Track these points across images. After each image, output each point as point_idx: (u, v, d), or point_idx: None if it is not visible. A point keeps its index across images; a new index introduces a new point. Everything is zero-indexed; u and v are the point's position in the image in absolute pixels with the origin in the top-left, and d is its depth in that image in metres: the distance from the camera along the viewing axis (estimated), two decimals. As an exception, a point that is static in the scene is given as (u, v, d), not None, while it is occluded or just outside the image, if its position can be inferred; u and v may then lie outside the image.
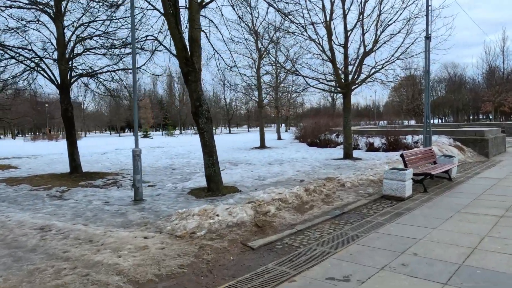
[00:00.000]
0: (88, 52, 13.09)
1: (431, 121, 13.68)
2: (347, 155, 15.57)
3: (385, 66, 15.35)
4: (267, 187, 9.42)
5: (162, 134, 60.61)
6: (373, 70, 15.38)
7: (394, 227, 6.13)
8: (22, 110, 78.98)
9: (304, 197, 7.73)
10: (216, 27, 9.40)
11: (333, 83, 16.18)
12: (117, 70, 13.71)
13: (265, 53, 22.58)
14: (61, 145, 37.90)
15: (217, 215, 6.29)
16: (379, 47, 14.69)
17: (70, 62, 12.61)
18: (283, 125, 66.09)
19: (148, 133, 52.79)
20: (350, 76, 15.43)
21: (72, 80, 12.87)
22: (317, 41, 15.10)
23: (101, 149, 28.51)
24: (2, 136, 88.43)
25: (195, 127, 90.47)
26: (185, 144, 31.21)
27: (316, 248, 5.20)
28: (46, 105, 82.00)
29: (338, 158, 15.80)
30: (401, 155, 9.26)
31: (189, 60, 8.65)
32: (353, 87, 15.69)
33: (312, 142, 22.67)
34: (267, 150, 21.99)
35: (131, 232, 5.81)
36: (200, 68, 8.88)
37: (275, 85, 31.02)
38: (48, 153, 24.91)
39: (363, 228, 6.07)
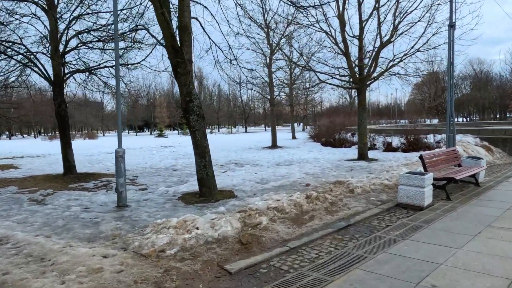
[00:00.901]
0: (84, 47, 12.40)
1: (455, 119, 12.35)
2: (362, 156, 14.39)
3: (404, 59, 14.10)
4: (267, 192, 8.45)
5: (178, 134, 60.35)
6: (391, 64, 14.15)
7: (409, 245, 5.03)
8: (44, 109, 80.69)
9: (305, 206, 6.69)
10: (211, 13, 8.46)
11: (347, 78, 14.99)
12: (114, 66, 12.95)
13: (277, 48, 21.54)
14: (78, 144, 37.89)
15: (197, 228, 5.34)
16: (397, 37, 13.46)
17: (65, 57, 11.92)
18: (300, 124, 64.80)
19: (163, 132, 52.50)
20: (366, 71, 14.22)
21: (67, 76, 12.19)
22: (329, 33, 13.98)
23: (112, 148, 28.05)
24: (25, 135, 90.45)
25: (211, 126, 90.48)
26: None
27: (308, 273, 4.18)
28: (67, 104, 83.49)
29: (352, 159, 14.63)
30: (420, 157, 8.08)
31: (178, 51, 7.74)
32: (368, 82, 14.48)
33: (326, 141, 21.49)
34: (278, 150, 20.95)
35: (93, 248, 4.93)
36: (191, 59, 7.96)
37: (289, 82, 29.94)
38: (57, 153, 24.59)
39: (371, 246, 5.00)
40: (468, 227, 5.78)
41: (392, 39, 13.58)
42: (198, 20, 8.63)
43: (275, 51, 21.32)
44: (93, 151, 24.95)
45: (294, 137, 31.58)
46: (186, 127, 55.35)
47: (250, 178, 10.58)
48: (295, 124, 72.09)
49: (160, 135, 51.78)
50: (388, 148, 16.60)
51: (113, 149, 26.62)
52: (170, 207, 7.43)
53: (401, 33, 13.40)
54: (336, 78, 14.55)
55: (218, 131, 78.61)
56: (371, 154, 16.05)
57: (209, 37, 9.15)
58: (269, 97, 23.33)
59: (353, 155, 15.64)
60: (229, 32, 9.85)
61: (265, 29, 21.20)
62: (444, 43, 13.66)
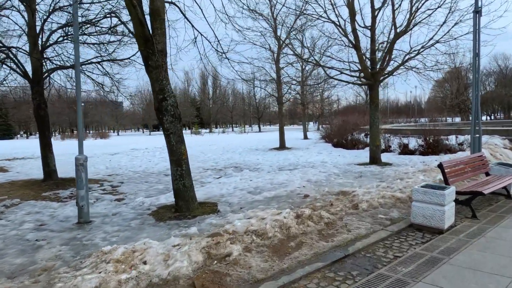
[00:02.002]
0: (67, 41, 11.39)
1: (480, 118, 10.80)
2: (374, 160, 12.95)
3: (422, 52, 12.57)
4: (257, 205, 7.22)
5: (191, 133, 59.45)
6: (407, 57, 12.65)
7: (423, 294, 3.70)
8: (59, 109, 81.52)
9: (293, 228, 5.41)
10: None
11: (358, 73, 13.54)
12: (101, 61, 11.95)
13: (284, 43, 20.20)
14: (86, 144, 37.39)
15: (144, 263, 4.14)
16: (414, 27, 11.95)
17: (44, 53, 10.94)
18: (316, 123, 63.15)
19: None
20: (378, 65, 12.75)
21: (47, 73, 11.21)
22: (338, 23, 12.58)
23: (117, 149, 27.35)
24: (34, 134, 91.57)
25: (223, 125, 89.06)
26: (204, 144, 29.43)
27: None
28: (82, 104, 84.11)
29: (363, 163, 13.20)
30: (440, 166, 6.67)
31: (149, 40, 6.56)
32: (381, 78, 13.01)
33: (338, 142, 20.03)
34: (285, 151, 19.63)
35: (3, 290, 3.79)
36: (164, 50, 6.76)
37: (301, 79, 28.52)
38: (60, 153, 23.91)
39: (370, 294, 3.69)
40: (503, 264, 4.38)
41: (409, 29, 12.07)
42: (176, 5, 7.43)
43: (283, 46, 19.95)
44: (96, 152, 24.17)
45: (305, 137, 30.13)
46: (197, 126, 54.56)
47: (243, 187, 9.34)
48: (311, 123, 70.40)
49: (171, 134, 50.89)
50: (404, 150, 15.06)
51: (118, 149, 25.83)
52: (136, 225, 6.27)
53: (419, 22, 11.88)
54: (345, 73, 13.14)
55: (232, 130, 77.59)
56: (384, 157, 14.57)
57: (191, 24, 7.94)
58: (276, 95, 21.97)
59: (365, 158, 14.19)
60: (217, 21, 8.54)
61: (272, 23, 19.89)
62: (468, 33, 12.10)
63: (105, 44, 11.80)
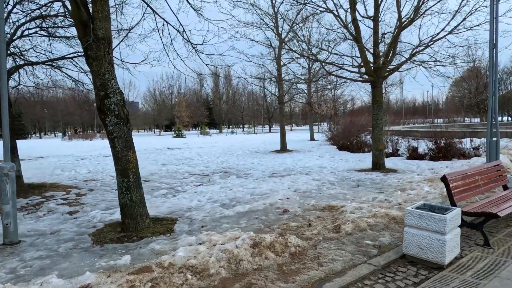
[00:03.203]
0: (36, 34, 10.44)
1: (498, 118, 9.34)
2: (376, 166, 11.58)
3: (432, 45, 11.15)
4: (221, 224, 6.05)
5: (199, 134, 58.59)
6: (415, 51, 11.23)
7: None
8: (71, 109, 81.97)
9: (245, 262, 4.19)
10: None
11: (362, 69, 12.18)
12: (74, 57, 10.97)
13: (286, 37, 18.94)
14: (91, 144, 36.95)
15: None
16: (422, 16, 10.55)
17: (8, 48, 9.97)
18: (326, 124, 61.50)
19: (181, 132, 50.86)
20: (382, 60, 11.39)
21: (14, 69, 10.27)
22: (336, 13, 11.27)
23: (108, 150, 26.45)
24: (48, 133, 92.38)
25: (234, 126, 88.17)
26: (206, 146, 28.38)
27: None
28: (94, 104, 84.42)
29: (365, 169, 11.84)
30: (443, 179, 5.33)
31: (87, 25, 5.44)
32: (385, 74, 11.62)
33: (343, 145, 18.62)
34: (286, 154, 18.35)
35: None
36: (108, 38, 5.63)
37: (308, 77, 27.14)
38: (62, 154, 23.23)
39: None
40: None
41: (416, 17, 10.67)
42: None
43: (286, 40, 18.64)
44: (93, 153, 23.38)
45: (312, 139, 28.75)
46: (204, 127, 53.72)
47: (219, 198, 8.15)
48: (324, 124, 68.59)
49: (178, 135, 50.15)
50: (413, 155, 13.60)
51: (109, 151, 24.96)
52: (65, 250, 5.15)
53: (427, 9, 10.47)
54: (345, 69, 11.78)
55: (243, 130, 76.48)
56: (390, 162, 13.18)
57: (153, 10, 6.80)
58: (278, 94, 20.63)
59: (369, 163, 12.80)
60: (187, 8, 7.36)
61: (273, 17, 18.64)
62: (484, 22, 10.64)
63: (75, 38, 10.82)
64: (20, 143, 39.38)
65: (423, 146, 13.92)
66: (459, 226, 4.64)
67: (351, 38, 11.49)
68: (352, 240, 5.11)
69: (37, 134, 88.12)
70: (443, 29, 11.05)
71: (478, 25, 10.82)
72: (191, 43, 7.29)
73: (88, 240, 5.51)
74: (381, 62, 11.20)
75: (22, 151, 28.47)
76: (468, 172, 5.92)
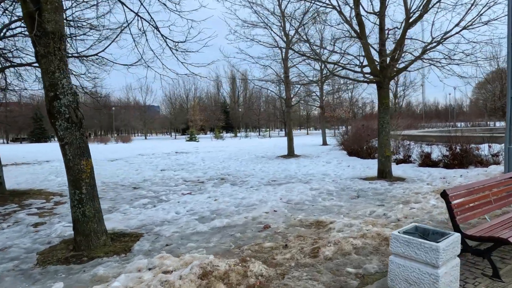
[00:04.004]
0: (21, 35, 10.04)
1: (519, 123, 8.29)
2: (383, 173, 10.63)
3: (444, 41, 10.15)
4: (188, 242, 5.33)
5: (215, 138, 58.15)
6: (427, 47, 10.25)
7: None
8: (90, 112, 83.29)
9: (187, 298, 3.44)
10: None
11: (367, 69, 11.28)
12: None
13: (294, 38, 18.20)
14: (103, 148, 37.01)
15: None
16: (430, 8, 9.59)
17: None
18: (343, 128, 60.09)
19: (194, 136, 50.50)
20: (388, 59, 10.46)
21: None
22: (338, 8, 10.44)
23: (124, 154, 26.29)
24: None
25: (251, 130, 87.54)
26: (215, 150, 27.79)
27: None
28: (113, 108, 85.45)
29: (370, 178, 10.90)
30: (444, 195, 4.44)
31: (34, 18, 4.84)
32: (392, 74, 10.68)
33: (353, 150, 17.62)
34: (292, 160, 17.50)
35: None
36: (59, 33, 5.01)
37: (320, 79, 26.24)
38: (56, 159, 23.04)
39: None
40: None
41: (426, 11, 9.71)
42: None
43: (293, 39, 17.83)
44: (98, 157, 23.11)
45: (324, 143, 27.73)
46: (218, 130, 53.30)
47: (199, 209, 7.44)
48: (342, 128, 67.13)
49: (192, 139, 49.81)
50: (426, 161, 12.53)
51: (124, 155, 24.63)
52: (5, 271, 4.52)
53: (437, 1, 9.50)
54: (348, 69, 10.90)
55: (259, 134, 75.74)
56: (400, 169, 12.18)
57: (120, 1, 6.17)
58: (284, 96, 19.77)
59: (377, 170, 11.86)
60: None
61: (280, 17, 17.90)
62: (503, 15, 9.59)
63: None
64: (33, 146, 39.70)
65: (436, 152, 12.83)
66: (461, 253, 3.77)
67: (355, 35, 10.61)
68: (330, 267, 4.28)
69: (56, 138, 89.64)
70: (457, 24, 10.06)
71: (496, 19, 9.78)
72: (162, 34, 6.61)
73: (33, 260, 4.88)
74: (387, 60, 10.26)
75: (31, 154, 28.66)
76: (476, 185, 4.98)
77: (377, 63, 10.39)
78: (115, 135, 68.48)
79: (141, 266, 4.30)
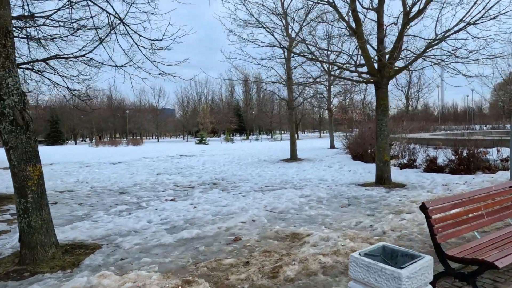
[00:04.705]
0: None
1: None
2: (381, 180, 9.97)
3: (447, 38, 9.47)
4: (152, 254, 4.90)
5: (225, 141, 57.76)
6: (432, 44, 9.57)
7: None
8: (105, 115, 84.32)
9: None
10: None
11: (364, 68, 10.65)
12: (47, 59, 10.23)
13: (297, 38, 17.67)
14: (112, 151, 37.14)
15: None
16: (432, 0, 8.93)
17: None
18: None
19: (204, 138, 50.22)
20: (387, 57, 9.82)
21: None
22: (333, 3, 9.87)
23: (131, 157, 26.16)
24: (86, 140, 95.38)
25: (264, 133, 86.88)
26: (220, 153, 27.39)
27: None
28: (127, 111, 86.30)
29: (368, 184, 10.26)
30: (422, 208, 3.85)
31: (-25, 12, 4.47)
32: (391, 74, 10.02)
33: (358, 154, 16.91)
34: (293, 164, 16.91)
35: None
36: (3, 28, 4.62)
37: (328, 81, 25.57)
38: (71, 161, 23.07)
39: None
40: None
41: (426, 6, 9.05)
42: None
43: (295, 41, 17.29)
44: (101, 161, 23.01)
45: (332, 146, 26.98)
46: (228, 133, 52.98)
47: (174, 218, 6.98)
48: (355, 130, 65.85)
49: (201, 142, 49.53)
50: (431, 166, 11.76)
51: (132, 157, 24.49)
52: None
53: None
54: (343, 68, 10.29)
55: (271, 137, 75.10)
56: (403, 175, 11.48)
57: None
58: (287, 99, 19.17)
59: (377, 175, 11.18)
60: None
61: (282, 16, 17.38)
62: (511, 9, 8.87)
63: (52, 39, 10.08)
64: (45, 149, 40.04)
65: (441, 156, 12.06)
66: (444, 277, 3.18)
67: (351, 33, 10.01)
68: (288, 292, 3.73)
69: (72, 141, 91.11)
70: (461, 20, 9.35)
71: (504, 13, 9.04)
72: (125, 24, 6.18)
73: (-30, 275, 4.48)
74: (386, 58, 9.63)
75: (44, 156, 28.82)
76: (464, 197, 4.35)
77: (374, 62, 9.76)
78: (125, 138, 68.89)
79: (77, 285, 3.85)
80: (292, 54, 17.82)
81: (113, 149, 44.20)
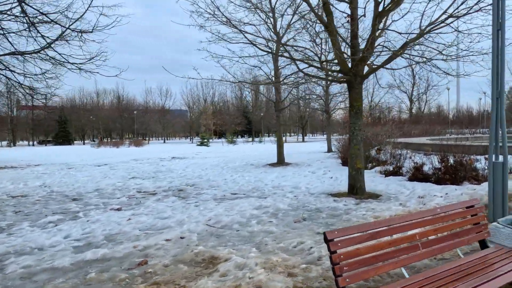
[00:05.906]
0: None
1: (506, 129, 6.58)
2: (353, 189, 9.01)
3: (430, 32, 8.50)
4: (33, 280, 4.07)
5: (227, 143, 56.92)
6: (409, 38, 8.60)
7: None
8: (113, 117, 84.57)
9: None
10: None
11: (334, 66, 9.71)
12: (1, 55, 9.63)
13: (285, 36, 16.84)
14: (110, 152, 36.79)
15: None
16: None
17: None
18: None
19: (205, 140, 49.52)
20: (360, 54, 8.86)
21: None
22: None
23: (120, 158, 25.63)
24: (95, 140, 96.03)
25: (256, 135, 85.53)
26: (213, 156, 26.66)
27: None
28: (135, 112, 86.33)
29: (340, 193, 9.29)
30: (326, 240, 2.95)
31: None
32: (365, 72, 9.07)
33: (347, 159, 15.85)
34: (277, 169, 16.00)
35: None
36: None
37: (325, 83, 24.54)
38: (56, 162, 22.62)
39: None
40: None
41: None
42: None
43: (283, 40, 16.39)
44: (90, 162, 22.48)
45: (329, 150, 25.90)
46: (229, 135, 52.22)
47: (97, 233, 6.17)
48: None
49: (202, 143, 48.85)
50: (416, 175, 10.70)
51: (118, 159, 23.94)
52: None
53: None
54: (314, 66, 9.37)
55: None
56: (384, 183, 10.48)
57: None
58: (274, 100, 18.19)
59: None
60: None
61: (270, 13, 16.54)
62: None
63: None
64: (49, 149, 39.91)
65: (428, 164, 11.00)
66: None
67: (324, 27, 9.09)
68: None
69: (80, 141, 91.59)
70: (444, 11, 8.37)
71: (489, 5, 8.01)
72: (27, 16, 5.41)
73: None
74: (360, 55, 8.67)
75: (33, 157, 28.60)
76: (393, 223, 3.42)
77: (346, 57, 8.82)
78: (127, 139, 68.78)
79: None
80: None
81: (113, 150, 43.91)
